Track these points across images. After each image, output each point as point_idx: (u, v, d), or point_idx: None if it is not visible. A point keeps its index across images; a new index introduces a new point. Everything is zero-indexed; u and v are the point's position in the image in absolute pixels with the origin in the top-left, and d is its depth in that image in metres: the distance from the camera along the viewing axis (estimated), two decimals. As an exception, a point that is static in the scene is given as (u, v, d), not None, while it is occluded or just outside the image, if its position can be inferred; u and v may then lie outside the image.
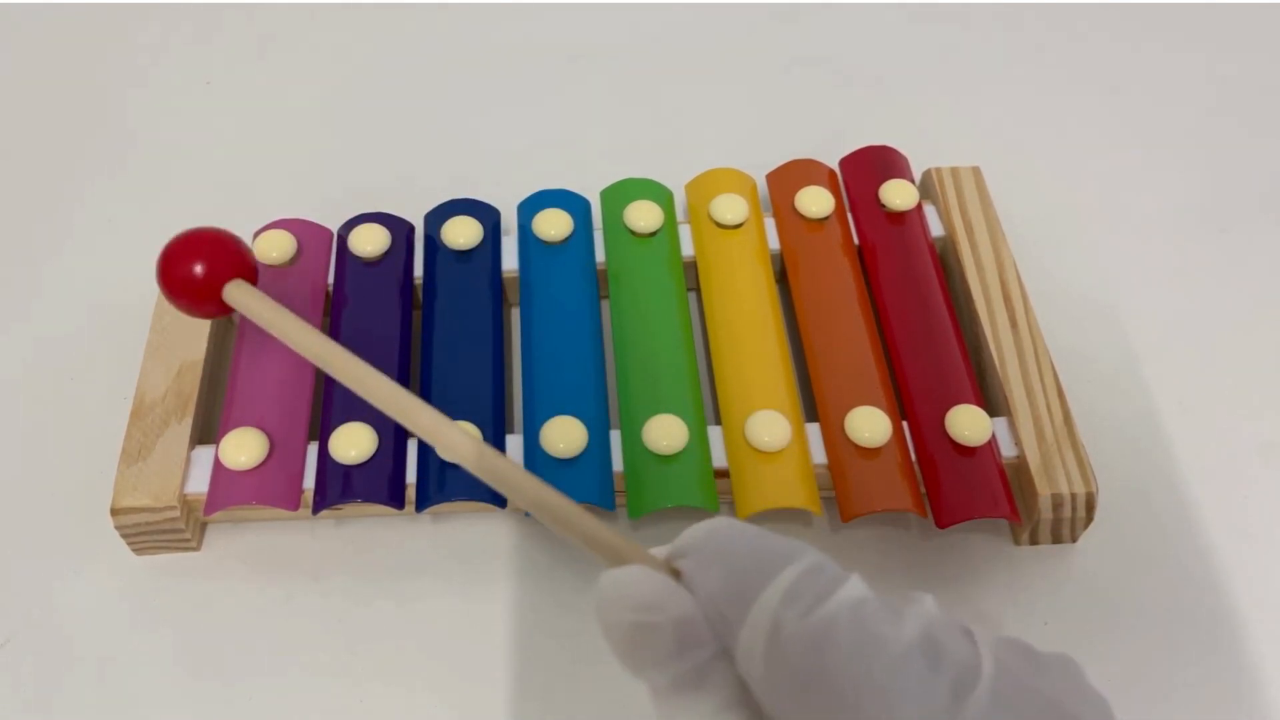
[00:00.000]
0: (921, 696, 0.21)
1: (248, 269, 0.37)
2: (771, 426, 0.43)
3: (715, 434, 0.44)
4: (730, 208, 0.51)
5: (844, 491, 0.42)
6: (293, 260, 0.50)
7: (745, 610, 0.23)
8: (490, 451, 0.29)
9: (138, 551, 0.44)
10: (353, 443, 0.43)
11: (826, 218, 0.52)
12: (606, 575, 0.25)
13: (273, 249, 0.49)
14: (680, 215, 0.55)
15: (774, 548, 0.25)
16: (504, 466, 0.29)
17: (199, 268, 0.36)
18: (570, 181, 0.53)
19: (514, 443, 0.44)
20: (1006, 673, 0.22)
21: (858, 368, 0.46)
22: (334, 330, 0.48)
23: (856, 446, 0.43)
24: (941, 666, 0.22)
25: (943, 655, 0.22)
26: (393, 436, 0.44)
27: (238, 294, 0.36)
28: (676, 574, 0.25)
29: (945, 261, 0.52)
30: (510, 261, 0.51)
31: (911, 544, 0.45)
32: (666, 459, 0.43)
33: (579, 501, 0.41)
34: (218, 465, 0.43)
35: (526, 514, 0.42)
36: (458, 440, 0.30)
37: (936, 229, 0.52)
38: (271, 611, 0.43)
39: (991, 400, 0.47)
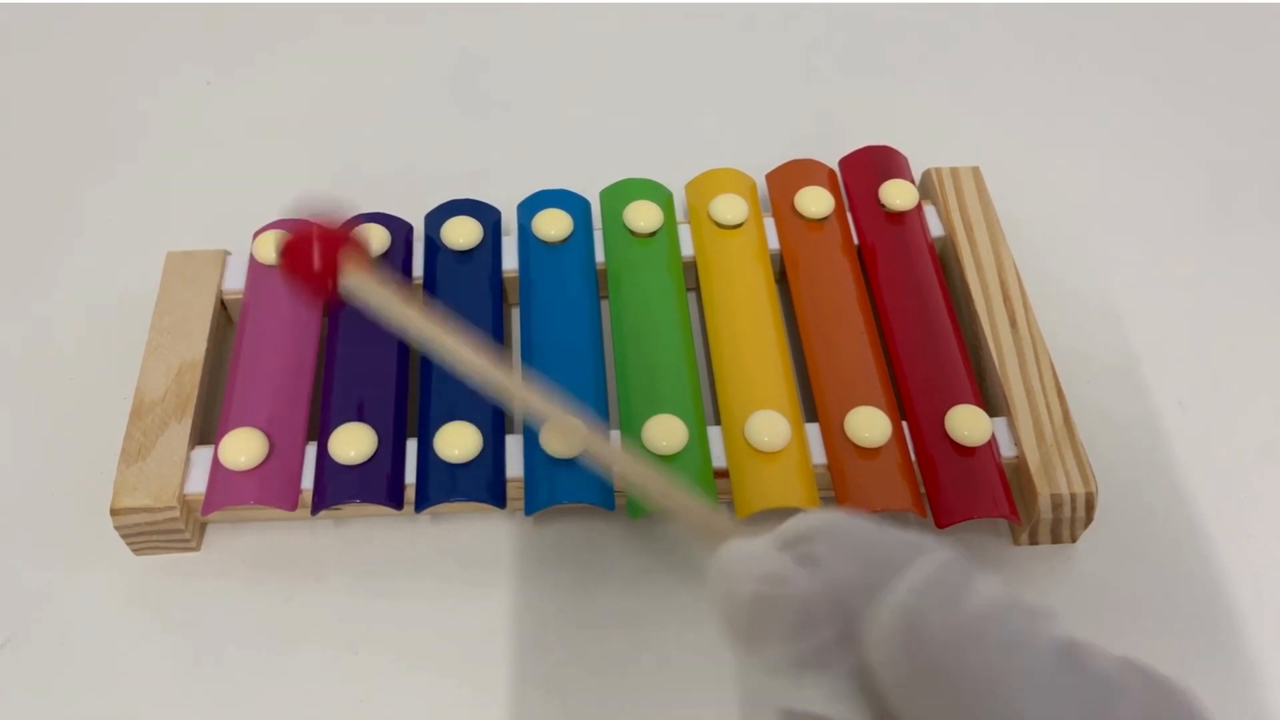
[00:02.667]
0: (1061, 703, 0.22)
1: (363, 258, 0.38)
2: (771, 426, 0.43)
3: (715, 434, 0.44)
4: (730, 208, 0.51)
5: (844, 491, 0.42)
6: (293, 260, 0.50)
7: (871, 597, 0.23)
8: (598, 437, 0.32)
9: (138, 551, 0.44)
10: (352, 443, 0.43)
11: (826, 218, 0.52)
12: (730, 545, 0.25)
13: (273, 249, 0.49)
14: (680, 215, 0.55)
15: (901, 539, 0.25)
16: (612, 451, 0.32)
17: (318, 260, 0.37)
18: (570, 181, 0.53)
19: (514, 443, 0.44)
20: (1130, 693, 0.22)
21: (858, 368, 0.46)
22: (333, 330, 0.48)
23: (856, 446, 0.43)
24: (1084, 676, 0.22)
25: (1084, 665, 0.22)
26: (392, 436, 0.44)
27: (354, 283, 0.37)
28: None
29: (945, 261, 0.52)
30: (510, 261, 0.51)
31: (911, 544, 0.45)
32: (666, 459, 0.43)
33: (578, 502, 0.42)
34: (217, 465, 0.43)
35: (527, 514, 0.42)
36: (572, 426, 0.32)
37: (936, 229, 0.52)
38: (271, 611, 0.43)
39: (991, 400, 0.47)
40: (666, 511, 0.28)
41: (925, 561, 0.24)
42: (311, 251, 0.37)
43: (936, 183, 0.53)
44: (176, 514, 0.43)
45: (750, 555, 0.25)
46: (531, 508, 0.42)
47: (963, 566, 0.24)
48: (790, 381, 0.46)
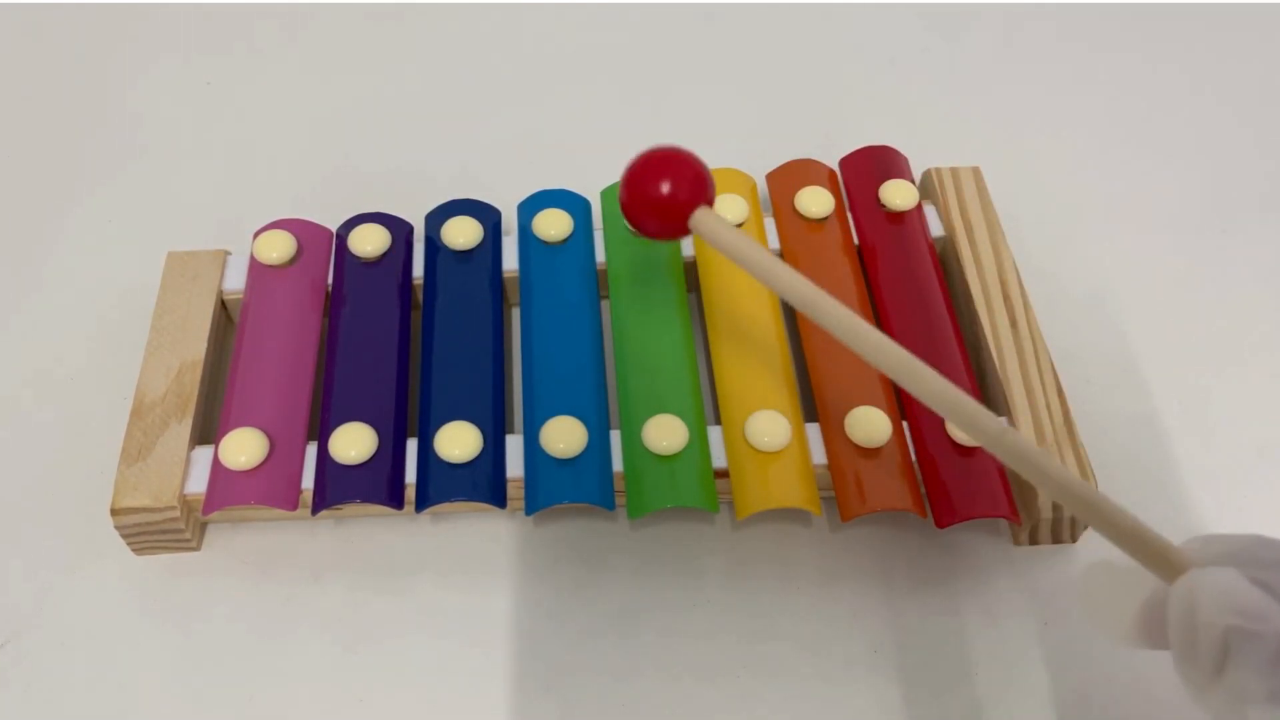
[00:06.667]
0: None
1: (710, 195, 0.37)
2: (771, 426, 0.43)
3: (715, 434, 0.44)
4: (730, 208, 0.51)
5: (844, 491, 0.42)
6: (293, 260, 0.50)
7: None
8: (1012, 434, 0.29)
9: (138, 551, 0.44)
10: (352, 443, 0.43)
11: (826, 218, 0.52)
12: (1202, 575, 0.26)
13: (273, 249, 0.49)
14: (680, 215, 0.55)
15: None
16: (1030, 450, 0.29)
17: (666, 188, 0.36)
18: (570, 181, 0.53)
19: (514, 443, 0.44)
20: None
21: (858, 368, 0.46)
22: (333, 330, 0.48)
23: (856, 446, 0.43)
24: None
25: None
26: (392, 436, 0.44)
27: (704, 219, 0.36)
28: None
29: (945, 261, 0.52)
30: (510, 261, 0.51)
31: (911, 544, 0.45)
32: (666, 459, 0.43)
33: (578, 502, 0.42)
34: (217, 465, 0.43)
35: (527, 514, 0.42)
36: (978, 414, 0.30)
37: (936, 229, 0.52)
38: (271, 611, 0.43)
39: (991, 400, 0.47)
40: (1111, 535, 0.29)
41: None
42: (676, 179, 0.36)
43: (936, 183, 0.53)
44: (177, 514, 0.43)
45: (1229, 588, 0.25)
46: (531, 508, 0.42)
47: None
48: (790, 381, 0.46)
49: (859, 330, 0.33)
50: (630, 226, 0.38)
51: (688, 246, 0.51)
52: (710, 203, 0.36)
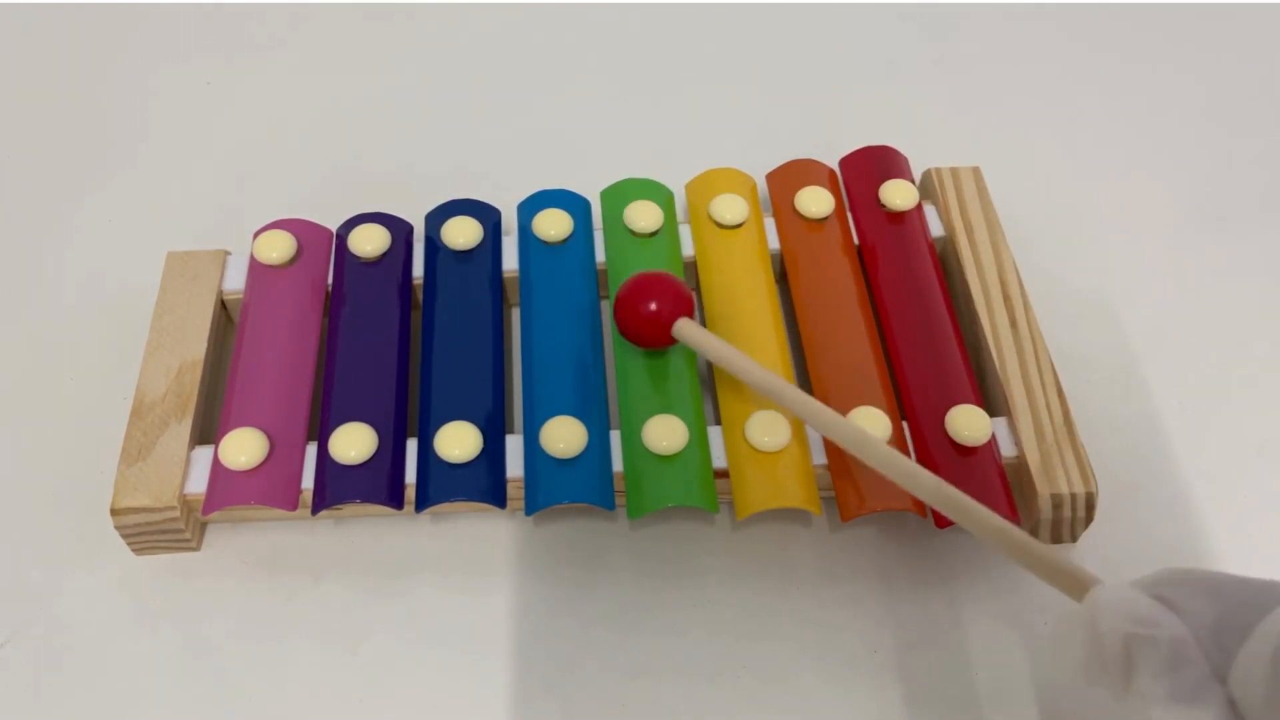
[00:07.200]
0: None
1: (689, 307, 0.44)
2: (771, 426, 0.43)
3: (715, 434, 0.44)
4: (730, 208, 0.51)
5: (844, 491, 0.42)
6: (293, 260, 0.50)
7: (1239, 638, 0.26)
8: (947, 487, 0.35)
9: (138, 551, 0.44)
10: (352, 443, 0.43)
11: (826, 218, 0.52)
12: (1102, 589, 0.29)
13: (273, 249, 0.49)
14: (680, 215, 0.55)
15: (1260, 585, 0.28)
16: (961, 499, 0.34)
17: (654, 306, 0.43)
18: (570, 181, 0.53)
19: (514, 443, 0.44)
20: None
21: (858, 368, 0.46)
22: (333, 330, 0.48)
23: (856, 446, 0.43)
24: None
25: None
26: (392, 436, 0.44)
27: (686, 330, 0.43)
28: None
29: (945, 261, 0.52)
30: (510, 261, 0.51)
31: (911, 544, 0.45)
32: (666, 459, 0.43)
33: (578, 502, 0.42)
34: (217, 465, 0.43)
35: (527, 514, 0.42)
36: (917, 472, 0.35)
37: (936, 229, 0.52)
38: (272, 611, 0.43)
39: (991, 400, 0.47)
40: (1021, 560, 0.32)
41: None
42: (661, 300, 0.43)
43: (936, 183, 0.53)
44: (177, 514, 0.43)
45: (1125, 598, 0.28)
46: (531, 508, 0.42)
47: None
48: (791, 381, 0.46)
49: (823, 414, 0.39)
50: (623, 337, 0.45)
51: (688, 247, 0.51)
52: (690, 315, 0.44)
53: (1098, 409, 0.48)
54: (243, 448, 0.43)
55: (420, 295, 0.50)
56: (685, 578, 0.44)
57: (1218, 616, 0.27)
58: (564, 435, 0.43)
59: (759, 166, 0.54)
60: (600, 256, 0.51)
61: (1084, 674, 0.28)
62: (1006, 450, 0.44)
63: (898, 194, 0.52)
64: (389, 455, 0.43)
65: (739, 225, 0.51)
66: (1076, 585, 0.30)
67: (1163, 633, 0.26)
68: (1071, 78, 0.66)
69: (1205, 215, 0.58)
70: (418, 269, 0.51)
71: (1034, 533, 0.44)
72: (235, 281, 0.50)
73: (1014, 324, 0.48)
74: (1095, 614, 0.28)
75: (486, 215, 0.52)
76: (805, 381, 0.47)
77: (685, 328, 0.43)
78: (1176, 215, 0.58)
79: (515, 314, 0.53)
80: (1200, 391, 0.50)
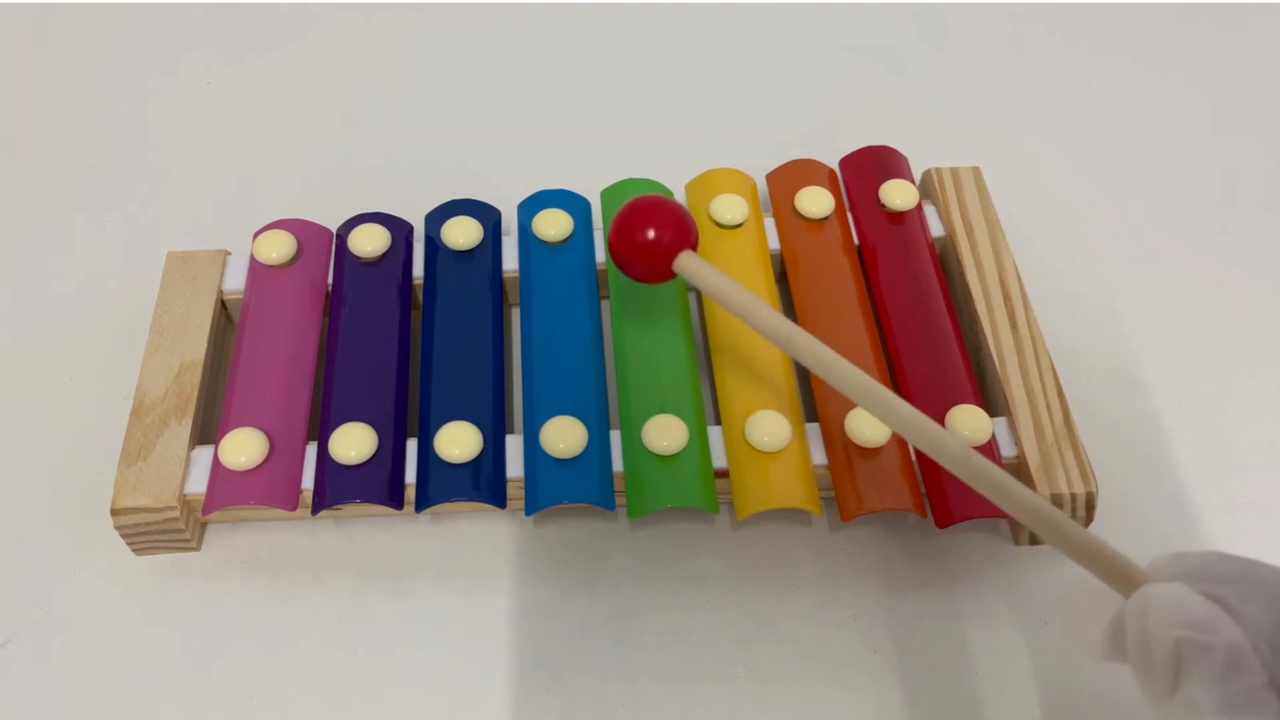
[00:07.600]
0: None
1: (692, 237, 0.40)
2: (771, 426, 0.43)
3: (715, 434, 0.44)
4: (730, 208, 0.51)
5: (844, 491, 0.42)
6: (293, 260, 0.50)
7: None
8: (978, 457, 0.31)
9: (138, 552, 0.44)
10: (352, 443, 0.43)
11: (826, 218, 0.52)
12: (1154, 587, 0.26)
13: (273, 249, 0.49)
14: (680, 215, 0.55)
15: None
16: (995, 472, 0.30)
17: (652, 234, 0.39)
18: (570, 181, 0.53)
19: (514, 443, 0.44)
20: None
21: (858, 368, 0.46)
22: (333, 330, 0.48)
23: (856, 446, 0.43)
24: None
25: None
26: (392, 436, 0.44)
27: (689, 264, 0.39)
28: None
29: (945, 261, 0.52)
30: (510, 261, 0.51)
31: (911, 544, 0.45)
32: (666, 459, 0.43)
33: (578, 502, 0.42)
34: (217, 465, 0.43)
35: (527, 514, 0.42)
36: (942, 438, 0.31)
37: (936, 229, 0.52)
38: (271, 611, 0.43)
39: (991, 400, 0.47)
40: (1073, 553, 0.30)
41: None
42: (660, 228, 0.39)
43: (936, 183, 0.53)
44: (176, 514, 0.43)
45: (1179, 601, 0.26)
46: (531, 508, 0.42)
47: None
48: (790, 381, 0.46)
49: (832, 362, 0.36)
50: (619, 270, 0.41)
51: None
52: (694, 247, 0.40)
53: (1098, 409, 0.48)
54: (243, 448, 0.43)
55: (420, 295, 0.50)
56: (685, 578, 0.44)
57: (1277, 621, 0.25)
58: (564, 435, 0.43)
59: (759, 166, 0.54)
60: (600, 257, 0.51)
61: (1106, 651, 0.26)
62: (1007, 450, 0.44)
63: (898, 194, 0.52)
64: (389, 455, 0.43)
65: (739, 225, 0.51)
66: (1125, 580, 0.29)
67: (1218, 639, 0.25)
68: (1072, 78, 0.66)
69: (1205, 215, 0.58)
70: (418, 269, 0.51)
71: (1034, 533, 0.44)
72: (235, 281, 0.50)
73: (1014, 324, 0.48)
74: (1145, 613, 0.26)
75: (486, 215, 0.52)
76: (805, 381, 0.47)
77: (688, 262, 0.39)
78: (1176, 215, 0.58)
79: (515, 314, 0.53)
80: (1200, 391, 0.50)
